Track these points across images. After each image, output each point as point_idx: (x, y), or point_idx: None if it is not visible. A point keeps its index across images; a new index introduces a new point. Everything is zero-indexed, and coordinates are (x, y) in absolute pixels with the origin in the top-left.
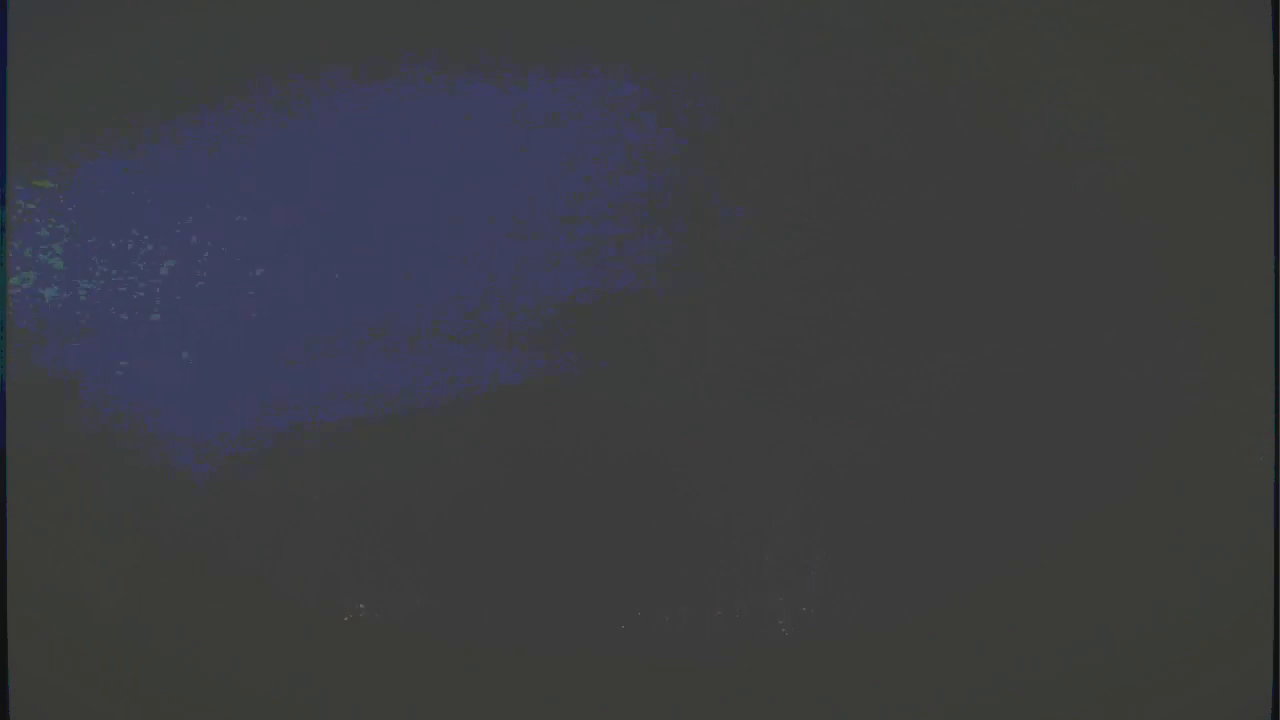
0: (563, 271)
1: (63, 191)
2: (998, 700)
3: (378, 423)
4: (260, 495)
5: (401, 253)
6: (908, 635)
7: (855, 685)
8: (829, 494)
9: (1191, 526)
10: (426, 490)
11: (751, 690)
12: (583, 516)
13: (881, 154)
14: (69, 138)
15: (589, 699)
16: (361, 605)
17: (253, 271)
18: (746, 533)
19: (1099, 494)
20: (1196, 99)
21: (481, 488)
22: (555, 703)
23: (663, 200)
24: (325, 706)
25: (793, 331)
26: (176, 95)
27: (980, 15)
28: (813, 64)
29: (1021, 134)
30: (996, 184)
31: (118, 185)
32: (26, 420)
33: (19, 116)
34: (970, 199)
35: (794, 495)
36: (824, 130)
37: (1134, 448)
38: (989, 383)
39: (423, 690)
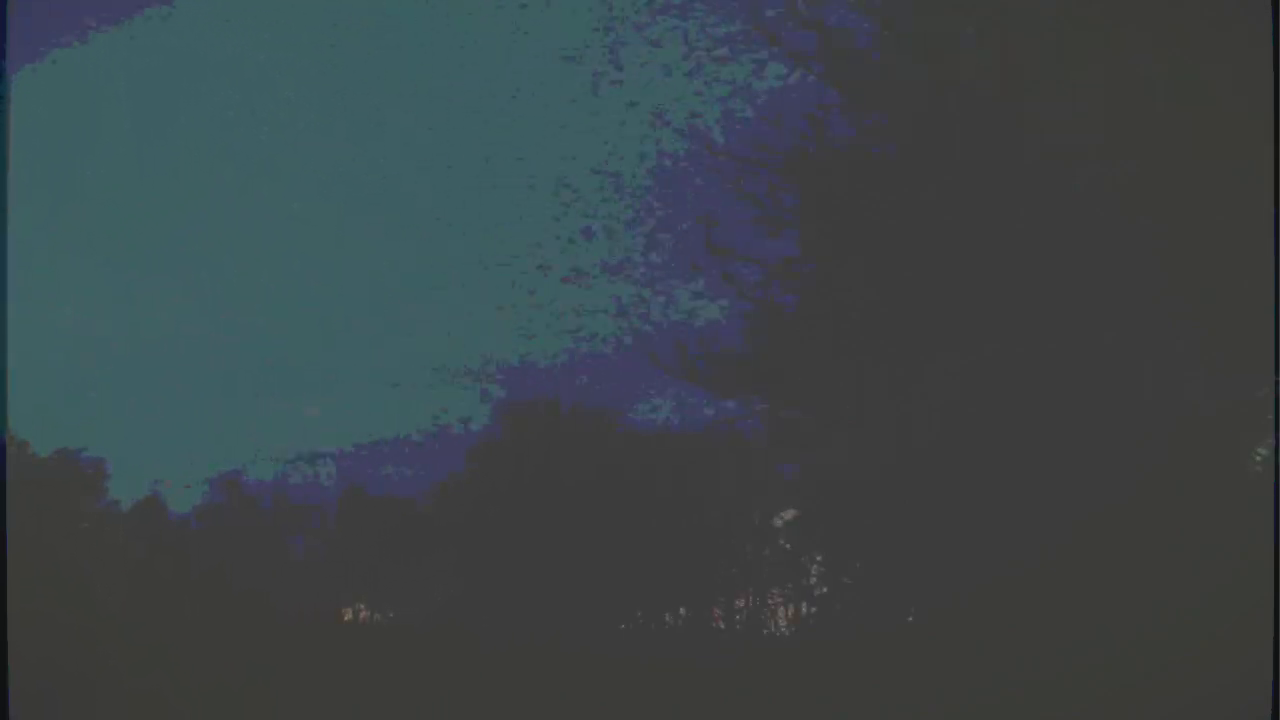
0: (553, 273)
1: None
2: (998, 700)
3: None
4: (264, 494)
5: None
6: (908, 635)
7: (855, 685)
8: (829, 494)
9: (1191, 526)
10: (428, 493)
11: (751, 690)
12: (583, 518)
13: (881, 154)
14: None
15: (590, 698)
16: (362, 605)
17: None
18: (746, 533)
19: (1099, 494)
20: (1196, 99)
21: (483, 491)
22: (556, 701)
23: (660, 200)
24: (329, 707)
25: (793, 331)
26: None
27: (980, 16)
28: (813, 64)
29: (1021, 134)
30: (996, 184)
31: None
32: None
33: None
34: (970, 199)
35: (794, 495)
36: (824, 130)
37: (1134, 448)
38: (989, 383)
39: (424, 689)
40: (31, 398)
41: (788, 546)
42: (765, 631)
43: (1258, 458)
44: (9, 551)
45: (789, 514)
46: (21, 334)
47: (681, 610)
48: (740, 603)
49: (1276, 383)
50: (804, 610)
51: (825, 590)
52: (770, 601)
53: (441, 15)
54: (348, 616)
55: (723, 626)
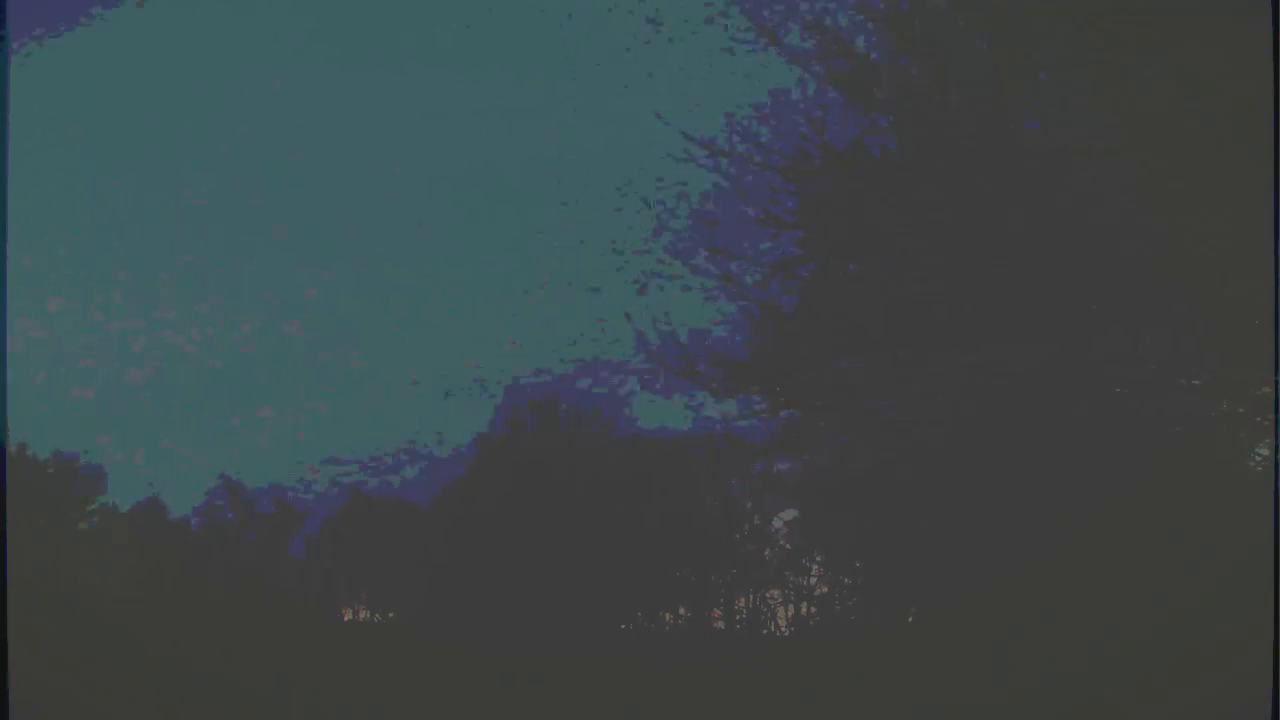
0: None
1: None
2: (999, 700)
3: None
4: (264, 497)
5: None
6: (908, 635)
7: (855, 685)
8: (829, 494)
9: (1191, 526)
10: (430, 494)
11: (751, 690)
12: (583, 519)
13: (881, 154)
14: None
15: (590, 698)
16: (362, 606)
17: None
18: (746, 533)
19: (1099, 494)
20: (1196, 99)
21: (483, 491)
22: (556, 701)
23: (659, 201)
24: (329, 707)
25: (793, 331)
26: None
27: (981, 15)
28: (812, 64)
29: (1021, 134)
30: (996, 184)
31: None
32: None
33: None
34: (970, 199)
35: (794, 495)
36: (824, 130)
37: (1134, 448)
38: (989, 383)
39: (425, 690)
40: (31, 399)
41: (788, 546)
42: (765, 631)
43: (1258, 458)
44: (9, 552)
45: (789, 514)
46: (20, 334)
47: (681, 610)
48: (740, 603)
49: (1277, 383)
50: (804, 610)
51: (825, 590)
52: (770, 601)
53: (440, 16)
54: (348, 617)
55: (723, 626)
